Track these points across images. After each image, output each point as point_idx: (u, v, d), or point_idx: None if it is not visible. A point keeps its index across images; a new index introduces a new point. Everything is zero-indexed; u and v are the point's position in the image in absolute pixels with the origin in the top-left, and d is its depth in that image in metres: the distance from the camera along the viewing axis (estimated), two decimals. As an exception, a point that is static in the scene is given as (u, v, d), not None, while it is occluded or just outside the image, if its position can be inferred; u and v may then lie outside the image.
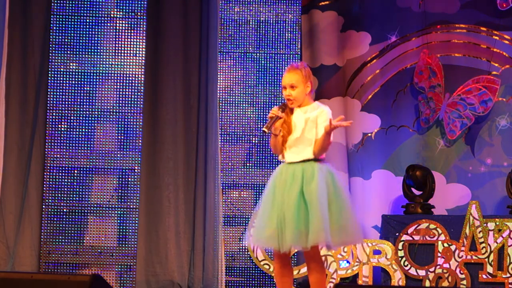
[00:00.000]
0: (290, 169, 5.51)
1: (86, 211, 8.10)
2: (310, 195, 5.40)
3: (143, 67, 8.15)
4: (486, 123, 8.23)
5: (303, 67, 5.57)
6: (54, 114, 8.10)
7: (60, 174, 8.07)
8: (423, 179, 7.93)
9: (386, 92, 8.46)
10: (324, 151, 5.54)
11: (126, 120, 8.16)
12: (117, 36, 8.21)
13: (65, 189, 8.07)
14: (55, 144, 8.09)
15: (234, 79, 8.32)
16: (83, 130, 8.13)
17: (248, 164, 8.25)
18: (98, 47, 8.19)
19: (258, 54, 8.32)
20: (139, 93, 8.15)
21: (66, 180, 8.08)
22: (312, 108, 5.58)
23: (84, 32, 8.18)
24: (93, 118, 8.16)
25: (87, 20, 8.19)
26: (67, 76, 8.14)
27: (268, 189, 5.56)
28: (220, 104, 8.19)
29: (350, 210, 5.53)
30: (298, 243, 5.39)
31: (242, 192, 8.24)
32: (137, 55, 8.19)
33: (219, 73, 8.17)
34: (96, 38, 8.19)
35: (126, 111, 8.16)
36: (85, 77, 8.16)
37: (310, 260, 5.51)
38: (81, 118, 8.14)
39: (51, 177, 8.05)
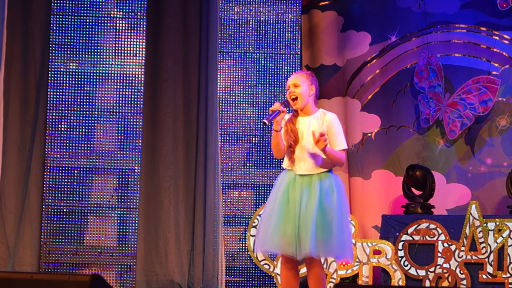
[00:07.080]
0: (305, 181, 5.50)
1: (86, 211, 8.10)
2: (329, 208, 5.44)
3: (143, 67, 8.15)
4: (486, 123, 8.23)
5: (309, 72, 5.74)
6: (54, 114, 8.09)
7: (60, 174, 8.07)
8: (423, 179, 7.93)
9: (386, 92, 8.46)
10: (339, 160, 5.56)
11: (126, 120, 8.16)
12: (117, 36, 8.21)
13: (65, 189, 8.07)
14: (55, 144, 8.08)
15: (234, 79, 8.32)
16: (83, 130, 8.12)
17: (248, 164, 8.25)
18: (98, 47, 8.19)
19: (258, 54, 8.31)
20: (139, 93, 8.14)
21: (66, 180, 8.08)
22: (319, 117, 5.59)
23: (84, 32, 8.18)
24: (93, 118, 8.16)
25: (87, 20, 8.19)
26: (67, 76, 8.14)
27: (279, 198, 5.52)
28: (220, 104, 8.19)
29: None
30: (317, 252, 5.40)
31: (242, 192, 8.24)
32: (137, 55, 8.18)
33: (219, 73, 8.17)
34: (96, 38, 8.19)
35: (126, 111, 8.16)
36: (85, 77, 8.16)
37: (310, 261, 5.51)
38: (81, 118, 8.13)
39: (51, 177, 8.05)
